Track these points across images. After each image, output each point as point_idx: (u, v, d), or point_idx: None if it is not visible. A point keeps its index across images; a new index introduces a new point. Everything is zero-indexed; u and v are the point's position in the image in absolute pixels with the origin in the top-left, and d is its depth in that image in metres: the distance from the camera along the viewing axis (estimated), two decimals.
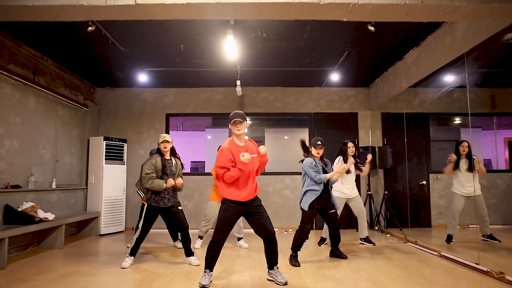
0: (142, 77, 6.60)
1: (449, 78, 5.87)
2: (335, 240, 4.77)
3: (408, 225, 6.71)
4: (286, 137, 9.85)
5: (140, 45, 5.41)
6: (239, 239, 5.59)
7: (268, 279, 3.70)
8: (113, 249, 5.42)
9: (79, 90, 6.93)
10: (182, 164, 4.68)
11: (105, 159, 6.82)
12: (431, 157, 7.56)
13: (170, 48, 5.50)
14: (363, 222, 5.57)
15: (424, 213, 7.29)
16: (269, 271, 3.69)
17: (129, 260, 4.34)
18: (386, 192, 7.05)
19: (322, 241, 5.69)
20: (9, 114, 5.02)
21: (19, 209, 4.93)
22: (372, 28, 4.41)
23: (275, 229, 3.71)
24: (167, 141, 4.40)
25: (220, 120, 9.06)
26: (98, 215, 6.62)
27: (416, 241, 5.59)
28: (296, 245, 4.48)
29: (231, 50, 4.69)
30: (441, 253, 4.78)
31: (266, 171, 7.93)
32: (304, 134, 8.81)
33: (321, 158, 4.61)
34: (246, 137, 3.72)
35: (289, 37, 5.08)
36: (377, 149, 7.24)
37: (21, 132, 5.25)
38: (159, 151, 4.45)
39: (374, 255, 4.89)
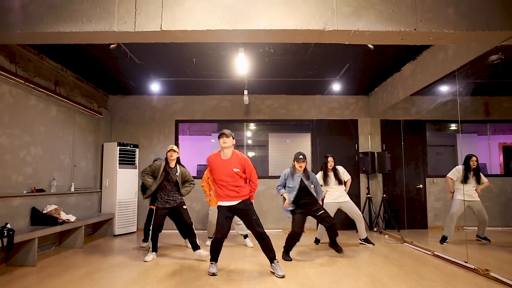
0: (155, 87, 7.00)
1: (444, 89, 6.24)
2: (331, 237, 5.27)
3: (405, 227, 7.11)
4: (288, 141, 10.23)
5: (155, 58, 5.81)
6: (245, 236, 6.07)
7: (271, 271, 4.20)
8: (128, 248, 5.80)
9: (94, 98, 7.34)
10: (187, 172, 5.27)
11: (119, 163, 7.21)
12: (427, 162, 7.96)
13: (182, 61, 5.90)
14: (360, 225, 5.94)
15: (420, 215, 7.69)
16: (271, 264, 4.20)
17: (151, 255, 4.95)
18: (384, 195, 7.44)
19: (317, 241, 6.12)
20: (34, 123, 5.42)
21: (44, 211, 5.33)
22: (371, 46, 4.82)
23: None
24: (174, 151, 5.06)
25: (226, 125, 9.46)
26: (112, 216, 7.02)
27: (412, 242, 5.99)
28: (288, 247, 5.02)
29: (241, 65, 5.09)
30: (435, 252, 5.17)
31: (269, 174, 8.35)
32: (306, 139, 9.22)
33: (304, 170, 5.11)
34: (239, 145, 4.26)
35: (294, 52, 5.48)
36: (376, 154, 7.64)
37: (44, 140, 5.65)
38: (166, 160, 5.09)
39: (373, 254, 5.29)
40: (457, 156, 9.19)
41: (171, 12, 3.46)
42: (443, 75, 4.97)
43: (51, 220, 5.23)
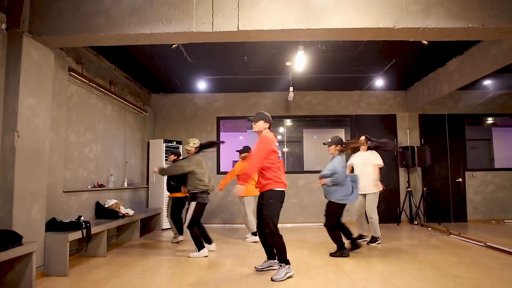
0: (201, 85, 7.20)
1: (493, 83, 6.28)
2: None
3: (447, 220, 7.19)
4: (314, 137, 10.36)
5: (207, 58, 6.00)
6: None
7: None
8: (184, 242, 5.98)
9: (139, 96, 7.57)
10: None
11: (165, 160, 7.44)
12: (466, 155, 8.03)
13: (233, 59, 6.09)
14: (369, 222, 5.51)
15: (460, 208, 7.75)
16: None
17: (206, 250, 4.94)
18: (425, 189, 7.52)
19: (359, 237, 5.63)
20: (95, 122, 5.66)
21: (106, 206, 5.57)
22: (425, 42, 4.91)
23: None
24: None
25: None
26: (160, 211, 7.26)
27: (460, 233, 6.07)
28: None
29: (299, 63, 5.23)
30: (487, 243, 5.26)
31: (308, 169, 8.49)
32: (339, 134, 9.33)
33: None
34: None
35: (344, 48, 5.61)
36: (416, 149, 7.71)
37: (102, 137, 5.89)
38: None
39: (434, 250, 5.37)
40: (492, 150, 9.24)
41: (248, 12, 3.62)
42: (496, 69, 5.03)
43: (113, 213, 5.46)
